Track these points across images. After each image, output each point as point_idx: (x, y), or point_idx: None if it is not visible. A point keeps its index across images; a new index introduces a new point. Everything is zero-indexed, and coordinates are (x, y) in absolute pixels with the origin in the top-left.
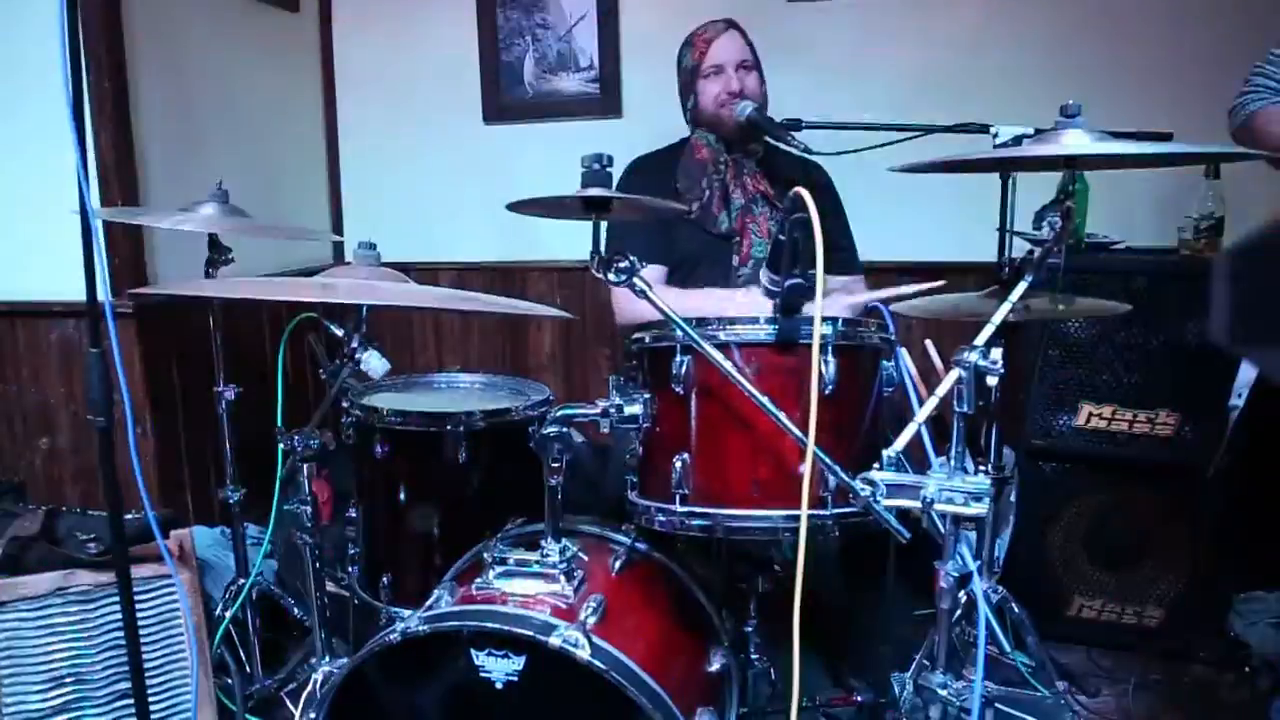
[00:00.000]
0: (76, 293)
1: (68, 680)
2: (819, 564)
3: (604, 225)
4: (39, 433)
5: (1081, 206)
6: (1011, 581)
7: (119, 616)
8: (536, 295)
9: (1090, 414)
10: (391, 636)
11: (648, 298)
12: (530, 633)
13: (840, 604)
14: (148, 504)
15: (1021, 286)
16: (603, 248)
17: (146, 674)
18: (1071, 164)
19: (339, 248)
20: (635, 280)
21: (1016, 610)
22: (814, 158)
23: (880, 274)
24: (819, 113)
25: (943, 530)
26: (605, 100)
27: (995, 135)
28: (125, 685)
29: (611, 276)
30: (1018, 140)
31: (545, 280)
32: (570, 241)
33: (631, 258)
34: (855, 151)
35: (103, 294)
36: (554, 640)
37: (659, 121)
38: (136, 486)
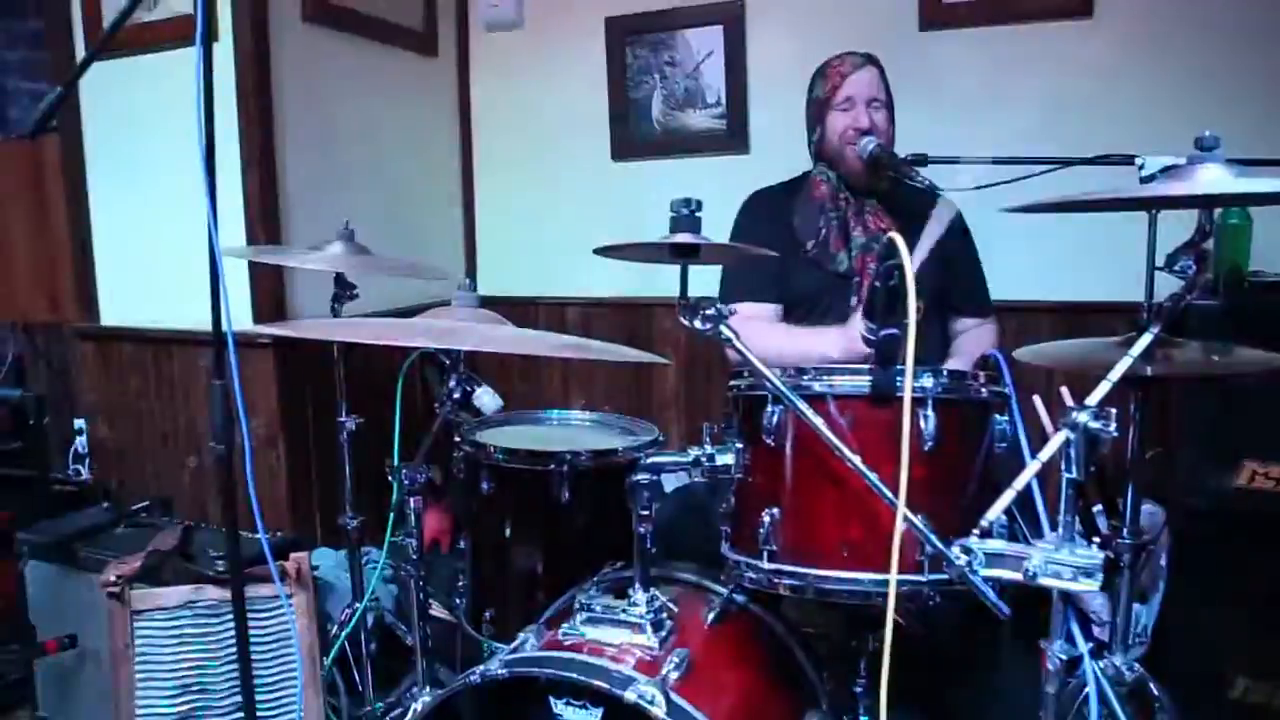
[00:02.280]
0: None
1: (193, 688)
2: (939, 621)
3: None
4: (187, 452)
5: (1243, 243)
6: (1164, 657)
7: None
8: (662, 332)
9: (1254, 473)
10: (472, 678)
11: (734, 346)
12: (606, 685)
13: (963, 663)
14: (261, 527)
15: (1145, 340)
16: (695, 287)
17: (262, 689)
18: (1209, 203)
19: (474, 282)
20: (723, 328)
21: (1156, 692)
22: (940, 194)
23: (1017, 314)
24: (950, 146)
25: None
26: (732, 136)
27: (1141, 167)
28: None
29: (697, 324)
30: (1166, 171)
31: (670, 317)
32: (696, 278)
33: (719, 305)
34: (982, 188)
35: (226, 327)
36: (629, 695)
37: (785, 157)
38: (257, 510)
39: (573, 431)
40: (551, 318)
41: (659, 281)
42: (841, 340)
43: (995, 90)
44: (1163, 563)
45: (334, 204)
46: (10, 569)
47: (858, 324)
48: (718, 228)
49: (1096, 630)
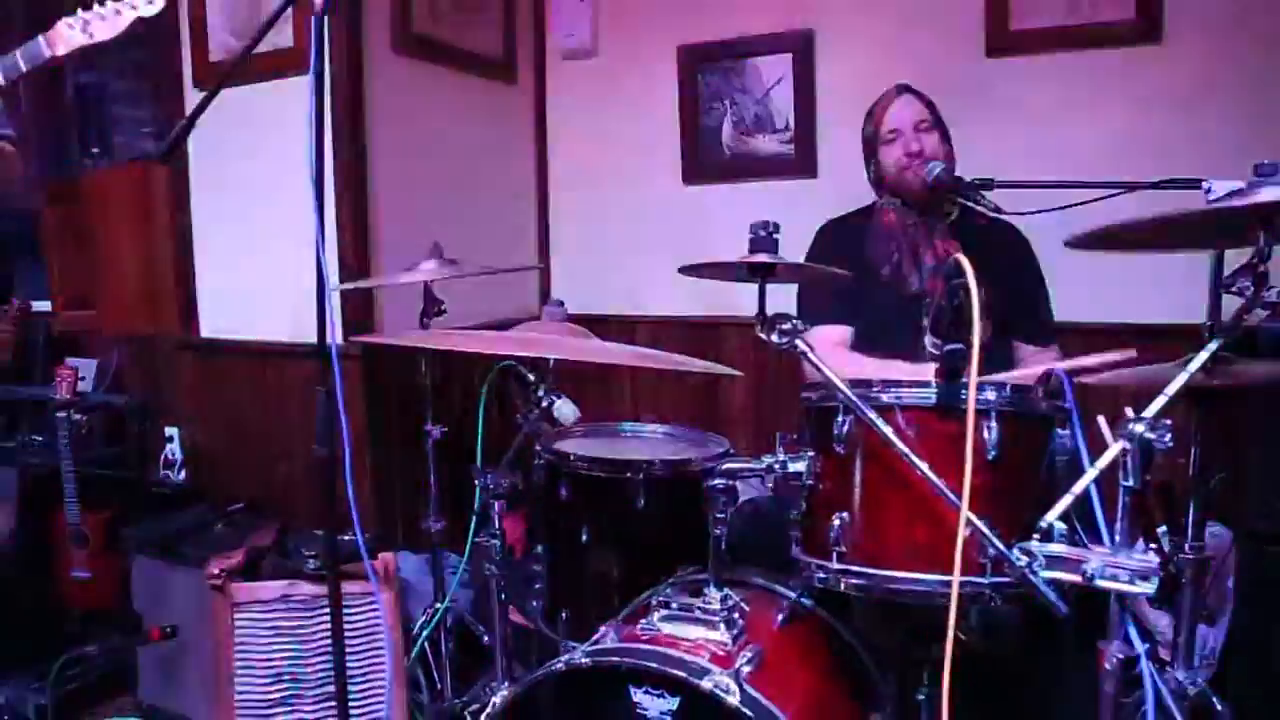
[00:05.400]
0: (313, 336)
1: (286, 678)
2: (1001, 630)
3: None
4: (278, 458)
5: None
6: (1233, 680)
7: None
8: (730, 350)
9: None
10: (557, 666)
11: (809, 360)
12: (684, 674)
13: (1023, 676)
14: (359, 529)
15: (1202, 356)
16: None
17: (351, 680)
18: (1268, 224)
19: (545, 300)
20: (798, 342)
21: (1220, 707)
22: (1006, 217)
23: (1081, 336)
24: (1016, 171)
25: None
26: (800, 160)
27: (1209, 191)
28: (333, 688)
29: (774, 338)
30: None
31: (739, 335)
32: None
33: (795, 320)
34: (1047, 211)
35: (330, 340)
36: (706, 684)
37: (853, 181)
38: (355, 510)
39: (646, 442)
40: (623, 334)
41: (726, 301)
42: (914, 374)
43: (1062, 116)
44: (1229, 585)
45: (418, 224)
46: (116, 563)
47: (926, 341)
48: (786, 248)
49: (1162, 652)
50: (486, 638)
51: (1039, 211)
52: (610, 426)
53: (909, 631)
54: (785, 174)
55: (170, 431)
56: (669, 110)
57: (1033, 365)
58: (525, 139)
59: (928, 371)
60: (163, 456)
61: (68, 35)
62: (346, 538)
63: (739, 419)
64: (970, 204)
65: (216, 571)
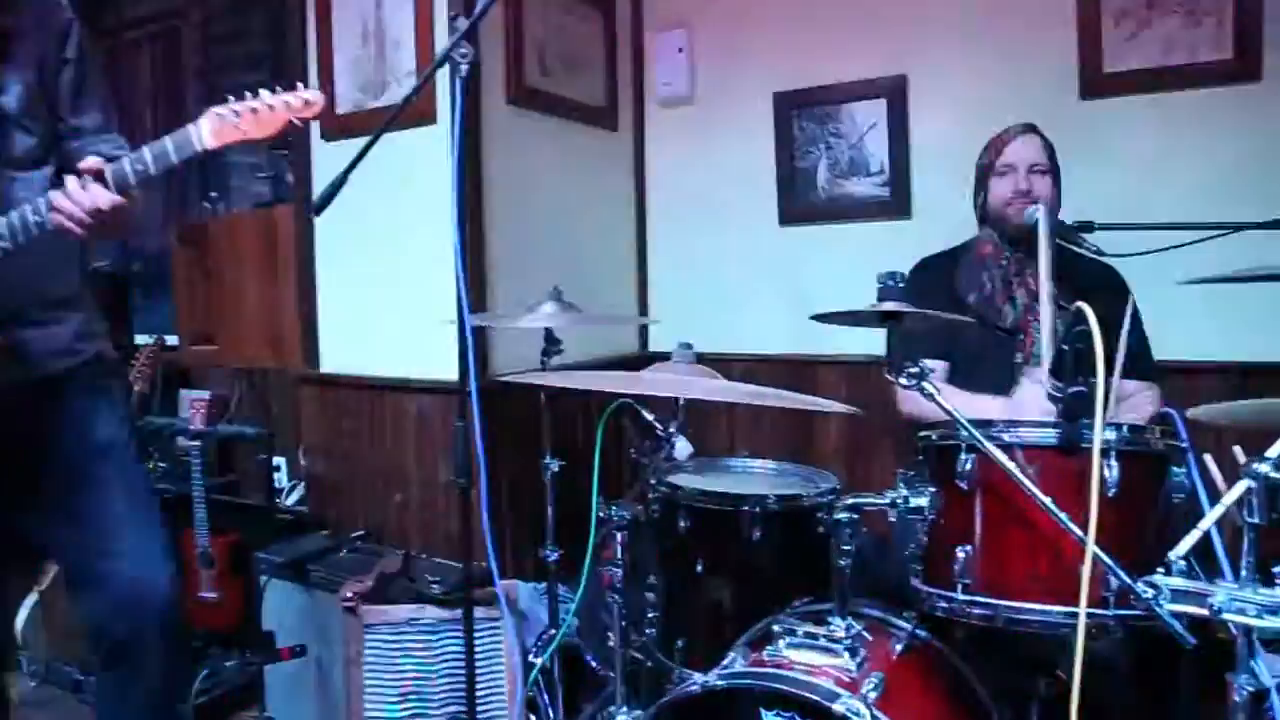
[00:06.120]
0: (428, 372)
1: (412, 697)
2: (1107, 674)
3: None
4: (395, 489)
5: None
6: None
7: (456, 648)
8: (825, 389)
9: None
10: (692, 688)
11: (936, 402)
12: (816, 697)
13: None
14: (493, 557)
15: None
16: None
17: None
18: None
19: (643, 338)
20: (925, 385)
21: None
22: (1107, 259)
23: (1186, 375)
24: (1116, 213)
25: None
26: (895, 202)
27: None
28: (455, 708)
29: (903, 381)
30: None
31: (834, 374)
32: (858, 338)
33: (923, 363)
34: (1149, 253)
35: (471, 378)
36: (837, 707)
37: (946, 222)
38: (481, 540)
39: (757, 478)
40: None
41: (818, 340)
42: (1004, 409)
43: (1160, 157)
44: None
45: (527, 264)
46: (240, 585)
47: (1024, 392)
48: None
49: None
50: (595, 664)
51: (1144, 254)
52: (720, 462)
53: (1017, 664)
54: (880, 216)
55: (278, 460)
56: (765, 154)
57: (1138, 402)
58: (625, 182)
59: (1021, 406)
60: (272, 483)
61: (219, 128)
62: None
63: (832, 456)
64: (1072, 246)
65: (350, 595)
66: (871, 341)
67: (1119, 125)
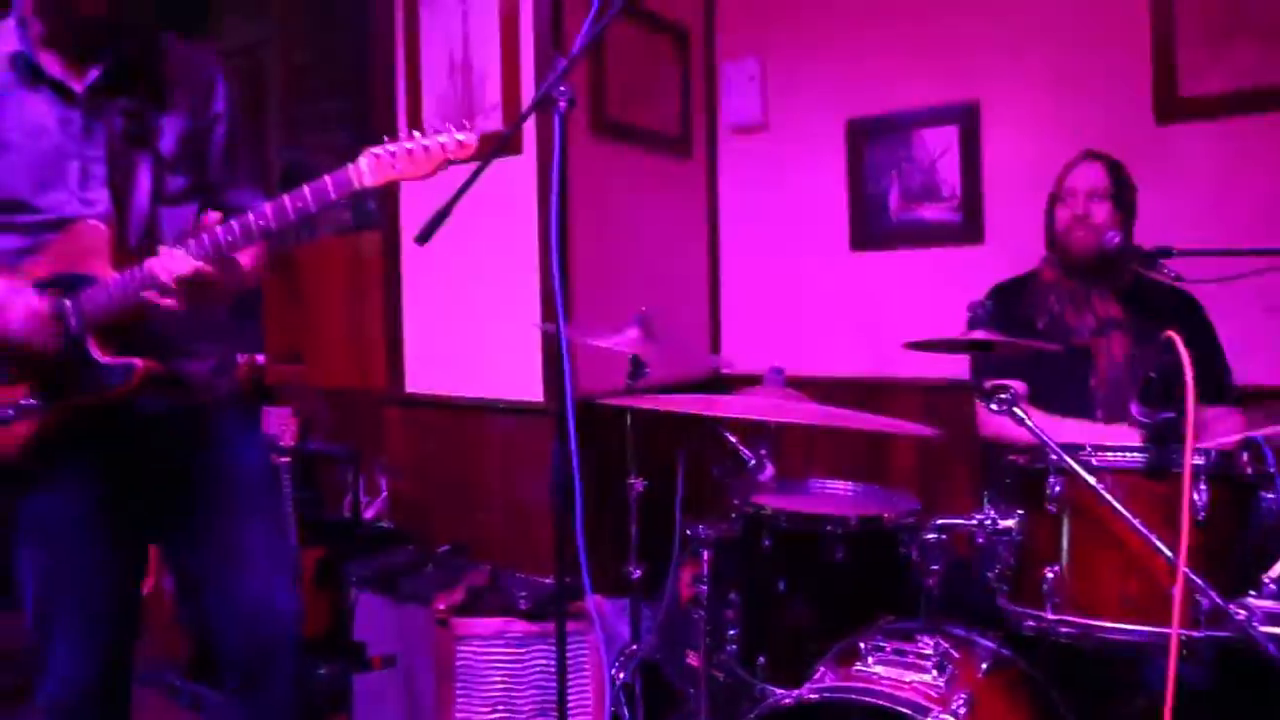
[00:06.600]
0: (512, 393)
1: (500, 707)
2: (1190, 702)
3: None
4: (476, 505)
5: None
6: None
7: (542, 660)
8: (898, 410)
9: None
10: (786, 701)
11: (1026, 426)
12: (909, 711)
13: None
14: (586, 574)
15: None
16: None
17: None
18: None
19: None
20: (1015, 410)
21: None
22: (1182, 284)
23: (1262, 400)
24: (1194, 238)
25: None
26: (966, 228)
27: None
28: (543, 719)
29: (993, 406)
30: None
31: (908, 396)
32: (932, 361)
33: (1013, 388)
34: (1229, 279)
35: (568, 400)
36: None
37: (1018, 248)
38: (584, 558)
39: (837, 499)
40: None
41: (895, 363)
42: (1080, 432)
43: (1238, 181)
44: None
45: (607, 287)
46: (326, 597)
47: (1133, 410)
48: (955, 312)
49: None
50: (674, 679)
51: (1226, 279)
52: (801, 483)
53: (1099, 686)
54: (952, 241)
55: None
56: (837, 179)
57: (1220, 426)
58: (699, 208)
59: (1099, 429)
60: (349, 499)
61: (377, 167)
62: (549, 580)
63: (904, 476)
64: (1150, 272)
65: (442, 607)
66: (943, 364)
67: (1196, 150)
